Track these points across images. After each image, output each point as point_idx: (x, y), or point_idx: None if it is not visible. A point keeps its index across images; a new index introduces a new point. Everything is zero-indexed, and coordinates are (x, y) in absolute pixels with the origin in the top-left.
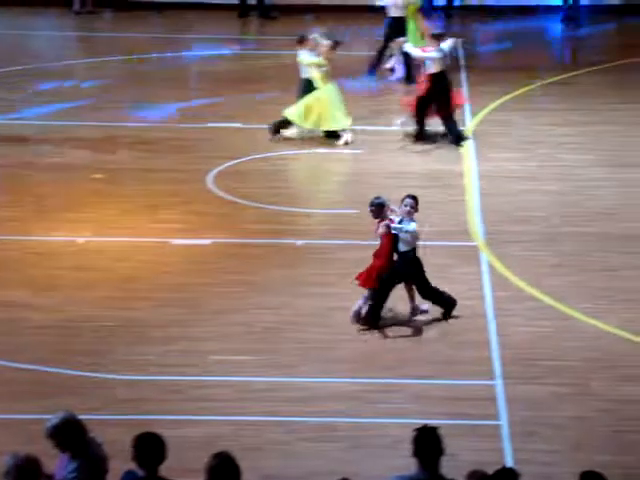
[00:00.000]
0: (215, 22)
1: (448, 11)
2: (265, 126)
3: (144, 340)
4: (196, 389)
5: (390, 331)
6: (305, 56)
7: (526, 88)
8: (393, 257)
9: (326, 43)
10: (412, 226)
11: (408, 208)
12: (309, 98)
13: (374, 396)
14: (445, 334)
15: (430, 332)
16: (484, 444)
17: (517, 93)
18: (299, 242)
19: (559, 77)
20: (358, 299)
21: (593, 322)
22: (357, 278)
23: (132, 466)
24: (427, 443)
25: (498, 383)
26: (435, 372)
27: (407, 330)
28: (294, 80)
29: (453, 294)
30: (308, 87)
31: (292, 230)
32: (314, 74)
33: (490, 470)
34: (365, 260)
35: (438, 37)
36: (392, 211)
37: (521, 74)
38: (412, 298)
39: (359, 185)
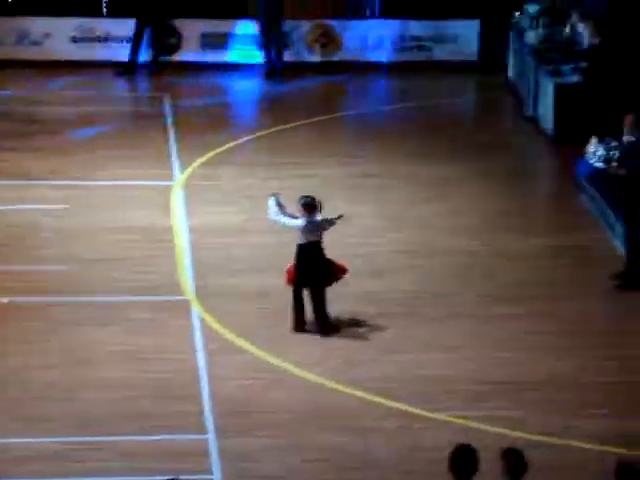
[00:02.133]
0: None
1: (154, 66)
2: None
3: None
4: None
5: (97, 387)
6: None
7: (233, 143)
8: None
9: None
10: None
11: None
12: None
13: (80, 454)
14: (155, 388)
15: (139, 386)
16: None
17: (224, 148)
18: (6, 299)
19: (267, 131)
20: None
21: (303, 374)
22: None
23: None
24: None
25: (210, 437)
26: (145, 428)
27: (117, 385)
28: None
29: (163, 349)
30: None
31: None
32: None
33: None
34: (75, 315)
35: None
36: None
37: (228, 129)
38: None
39: (66, 241)
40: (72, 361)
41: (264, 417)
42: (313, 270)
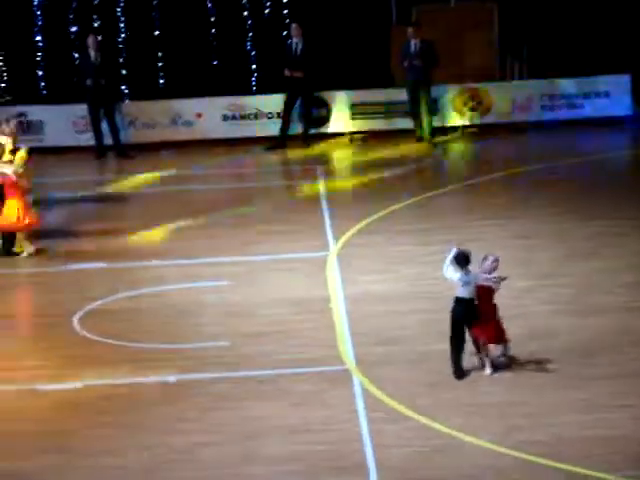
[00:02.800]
0: (73, 164)
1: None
2: (129, 264)
3: None
4: None
5: (265, 461)
6: None
7: (386, 210)
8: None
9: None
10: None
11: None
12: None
13: None
14: (322, 460)
15: (306, 459)
16: None
17: (378, 216)
18: (172, 378)
19: (418, 198)
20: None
21: (468, 439)
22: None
23: None
24: None
25: None
26: None
27: (284, 458)
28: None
29: (327, 419)
30: None
31: (164, 366)
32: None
33: None
34: (237, 390)
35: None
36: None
37: (381, 197)
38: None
39: (228, 317)
40: (239, 437)
41: None
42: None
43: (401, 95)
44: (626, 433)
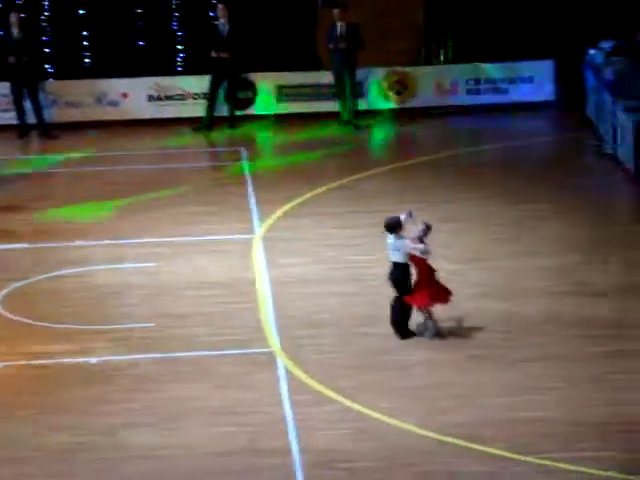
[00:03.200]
0: None
1: (231, 120)
2: (52, 244)
3: None
4: None
5: (186, 444)
6: None
7: (312, 193)
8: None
9: None
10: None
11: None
12: None
13: None
14: (245, 442)
15: (229, 441)
16: None
17: (303, 199)
18: (94, 359)
19: (345, 180)
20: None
21: (391, 421)
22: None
23: None
24: None
25: None
26: None
27: (206, 441)
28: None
29: (252, 402)
30: None
31: (87, 347)
32: None
33: None
34: (161, 372)
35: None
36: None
37: (306, 179)
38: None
39: (153, 298)
40: (162, 419)
41: (353, 467)
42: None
43: (327, 77)
44: (553, 415)
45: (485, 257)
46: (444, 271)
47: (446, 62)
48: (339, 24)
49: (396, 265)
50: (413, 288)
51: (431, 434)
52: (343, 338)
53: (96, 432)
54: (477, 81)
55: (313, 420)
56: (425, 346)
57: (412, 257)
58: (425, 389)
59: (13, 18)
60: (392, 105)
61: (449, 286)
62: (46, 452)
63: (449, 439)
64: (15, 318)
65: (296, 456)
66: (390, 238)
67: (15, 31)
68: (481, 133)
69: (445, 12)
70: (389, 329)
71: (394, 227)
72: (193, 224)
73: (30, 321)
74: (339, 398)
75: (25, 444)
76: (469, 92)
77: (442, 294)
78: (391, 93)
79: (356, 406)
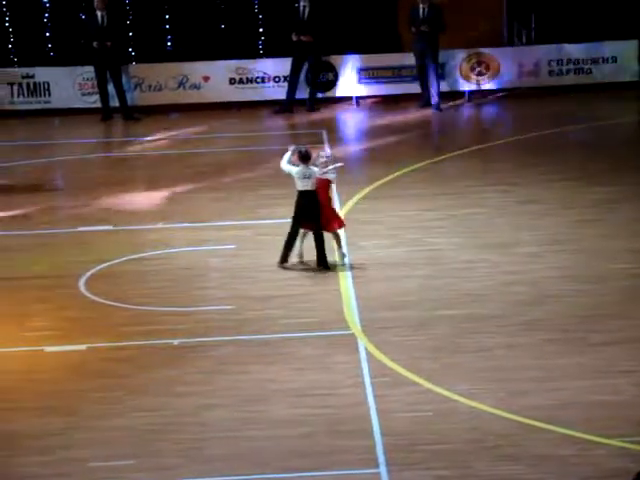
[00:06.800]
0: (79, 126)
1: (311, 103)
2: (135, 227)
3: (21, 453)
4: None
5: (268, 425)
6: None
7: (391, 176)
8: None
9: None
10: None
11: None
12: None
13: None
14: (326, 424)
15: (309, 422)
16: None
17: (383, 181)
18: (176, 341)
19: (423, 163)
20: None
21: (472, 403)
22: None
23: None
24: None
25: (382, 471)
26: (317, 464)
27: (287, 422)
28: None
29: (332, 384)
30: None
31: (168, 329)
32: None
33: None
34: (242, 354)
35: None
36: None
37: (387, 162)
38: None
39: (233, 281)
40: (242, 400)
41: (434, 449)
42: (310, 215)
43: (409, 59)
44: (627, 399)
45: (568, 239)
46: (524, 255)
47: (528, 43)
48: (421, 6)
49: (303, 193)
50: (319, 215)
51: (512, 416)
52: (423, 320)
53: (180, 414)
54: (560, 62)
55: (394, 402)
56: (504, 330)
57: (318, 185)
58: (504, 372)
59: (97, 2)
60: (474, 87)
61: (529, 268)
62: (133, 432)
63: (529, 421)
64: (99, 300)
65: (378, 438)
66: (299, 166)
67: (99, 15)
68: (563, 115)
69: None
70: (470, 311)
71: (308, 157)
72: (273, 207)
73: (113, 303)
74: (420, 380)
75: (113, 426)
76: (551, 73)
77: (340, 218)
78: (472, 75)
79: (436, 388)
